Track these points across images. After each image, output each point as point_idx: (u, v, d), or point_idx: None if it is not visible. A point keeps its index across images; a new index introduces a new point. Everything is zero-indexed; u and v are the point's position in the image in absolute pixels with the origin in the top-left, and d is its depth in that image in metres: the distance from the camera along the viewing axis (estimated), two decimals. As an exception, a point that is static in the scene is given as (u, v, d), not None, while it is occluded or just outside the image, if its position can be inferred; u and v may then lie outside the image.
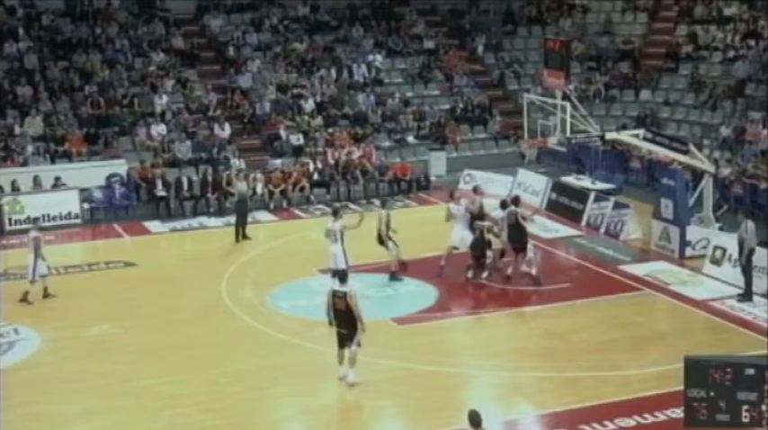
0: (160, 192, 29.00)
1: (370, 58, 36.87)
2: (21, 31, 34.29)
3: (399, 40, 38.25)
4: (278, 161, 31.18)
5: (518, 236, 20.81)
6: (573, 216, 26.76)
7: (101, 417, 15.33)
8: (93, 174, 29.27)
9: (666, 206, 23.30)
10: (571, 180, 29.29)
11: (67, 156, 30.43)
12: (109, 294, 21.33)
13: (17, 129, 30.90)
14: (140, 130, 31.81)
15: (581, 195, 27.19)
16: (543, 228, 25.52)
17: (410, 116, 34.84)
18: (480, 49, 38.73)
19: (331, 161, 31.26)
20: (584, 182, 28.90)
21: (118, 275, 22.99)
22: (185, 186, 29.15)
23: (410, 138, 34.05)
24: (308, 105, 34.07)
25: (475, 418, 11.60)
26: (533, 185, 29.16)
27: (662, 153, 26.15)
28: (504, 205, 21.31)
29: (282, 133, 32.72)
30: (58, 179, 28.58)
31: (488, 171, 30.96)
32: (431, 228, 23.86)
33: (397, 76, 36.94)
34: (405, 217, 26.09)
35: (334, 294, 15.82)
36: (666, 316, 20.01)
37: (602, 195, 26.84)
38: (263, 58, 35.76)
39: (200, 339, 18.47)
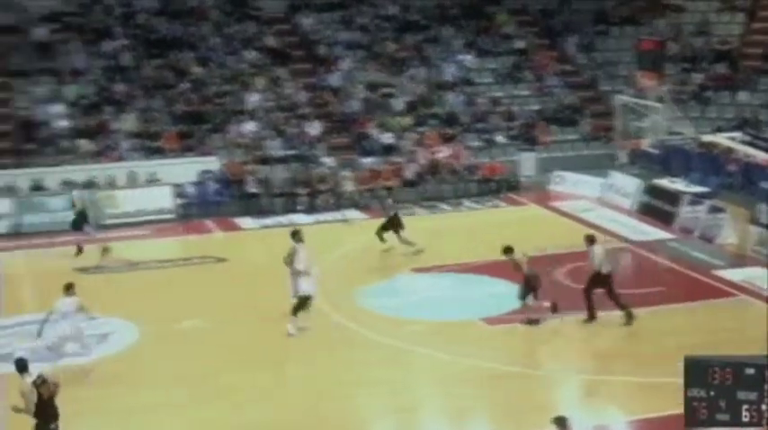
0: (251, 188, 29.35)
1: (460, 57, 36.78)
2: (117, 30, 35.02)
3: (489, 40, 38.08)
4: (367, 160, 31.32)
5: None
6: (665, 219, 26.35)
7: (190, 410, 15.55)
8: (185, 170, 29.75)
9: (764, 211, 22.76)
10: (664, 182, 28.81)
11: (161, 153, 30.97)
12: (200, 289, 21.64)
13: (113, 126, 31.57)
14: (232, 128, 32.22)
15: (674, 198, 26.76)
16: (634, 230, 25.18)
17: (500, 116, 34.67)
18: (571, 49, 38.36)
19: (420, 161, 31.28)
20: (677, 184, 28.41)
21: (209, 270, 23.32)
22: (276, 183, 29.45)
23: (499, 139, 33.88)
24: (398, 104, 34.13)
25: (562, 424, 11.49)
26: (625, 187, 28.80)
27: (761, 156, 25.56)
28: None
29: (372, 132, 32.84)
30: (152, 175, 29.14)
31: (578, 172, 30.67)
32: (518, 229, 23.72)
33: (486, 76, 36.77)
34: (492, 217, 26.05)
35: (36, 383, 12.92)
36: (761, 322, 19.52)
37: (696, 199, 26.38)
38: (354, 57, 35.93)
39: (282, 334, 18.57)
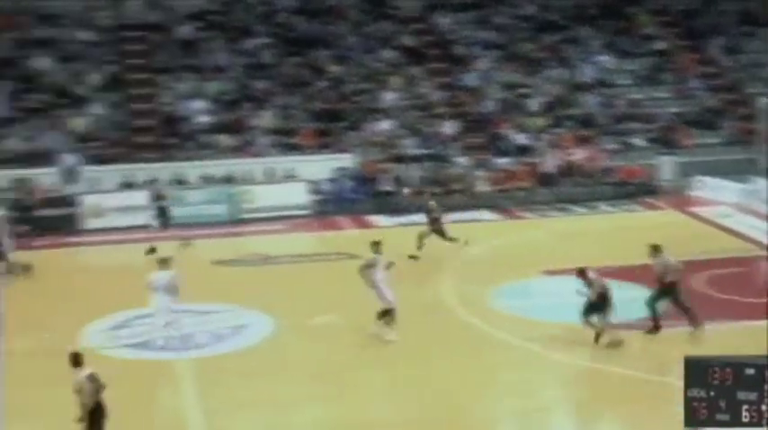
0: (385, 186, 29.55)
1: (599, 58, 36.25)
2: (258, 28, 35.72)
3: (629, 41, 37.41)
4: (502, 160, 31.16)
5: None
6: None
7: (326, 405, 15.70)
8: (321, 167, 30.17)
9: None
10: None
11: (298, 149, 31.46)
12: (333, 285, 21.85)
13: (252, 122, 32.22)
14: (368, 126, 32.48)
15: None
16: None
17: (638, 119, 34.03)
18: (715, 50, 37.35)
19: (555, 162, 30.96)
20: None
21: (342, 267, 23.50)
22: (410, 182, 29.56)
23: (637, 141, 33.25)
24: (534, 105, 33.86)
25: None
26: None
27: None
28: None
29: (507, 132, 32.65)
30: (288, 171, 29.64)
31: (718, 177, 29.87)
32: (653, 234, 23.17)
33: (625, 77, 36.12)
34: (628, 221, 25.59)
35: (90, 379, 12.99)
36: None
37: None
38: (490, 57, 35.79)
39: (419, 334, 18.62)
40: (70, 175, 29.01)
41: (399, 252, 24.91)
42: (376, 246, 18.52)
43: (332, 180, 30.04)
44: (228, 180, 29.77)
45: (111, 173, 29.46)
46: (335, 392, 16.11)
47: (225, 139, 31.49)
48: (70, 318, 19.34)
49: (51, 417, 14.88)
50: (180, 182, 29.62)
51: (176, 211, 28.29)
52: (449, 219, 26.96)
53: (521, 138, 32.42)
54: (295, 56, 34.94)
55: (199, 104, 32.63)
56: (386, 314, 18.07)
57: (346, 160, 30.69)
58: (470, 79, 34.84)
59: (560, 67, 35.71)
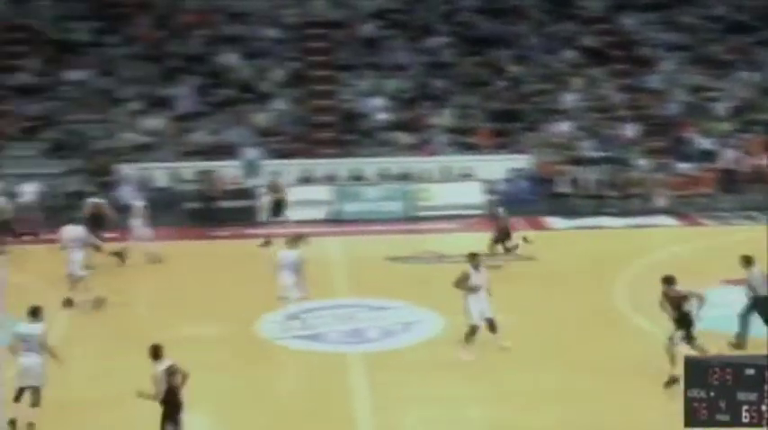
0: (562, 188, 29.13)
1: (791, 61, 34.73)
2: (440, 27, 35.81)
3: (826, 43, 35.69)
4: (684, 165, 30.22)
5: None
6: None
7: (489, 405, 15.60)
8: (497, 167, 30.02)
9: None
10: None
11: (475, 149, 31.37)
12: (506, 286, 21.58)
13: (430, 120, 32.33)
14: (546, 127, 32.09)
15: None
16: None
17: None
18: None
19: (742, 168, 29.80)
20: None
21: (516, 268, 23.32)
22: (587, 184, 29.05)
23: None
24: (721, 109, 32.68)
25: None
26: None
27: None
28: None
29: (691, 136, 31.64)
30: (464, 170, 29.63)
31: None
32: None
33: (820, 81, 34.48)
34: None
35: (169, 372, 12.98)
36: None
37: None
38: (676, 59, 34.76)
39: (589, 340, 18.24)
40: (252, 169, 29.82)
41: (574, 255, 24.60)
42: (473, 258, 17.85)
43: (507, 180, 29.84)
44: (405, 177, 29.99)
45: (291, 167, 30.13)
46: (499, 393, 15.97)
47: (402, 137, 31.72)
48: (247, 307, 19.85)
49: (215, 403, 15.32)
50: (357, 178, 30.03)
51: (352, 207, 28.68)
52: (626, 224, 26.37)
53: (705, 143, 31.34)
54: (475, 55, 34.85)
55: (378, 102, 32.97)
56: (472, 332, 17.41)
57: (523, 161, 30.41)
58: (654, 81, 33.93)
59: (750, 69, 34.33)
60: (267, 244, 24.61)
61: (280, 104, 32.94)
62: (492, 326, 17.40)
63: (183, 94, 32.96)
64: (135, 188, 28.46)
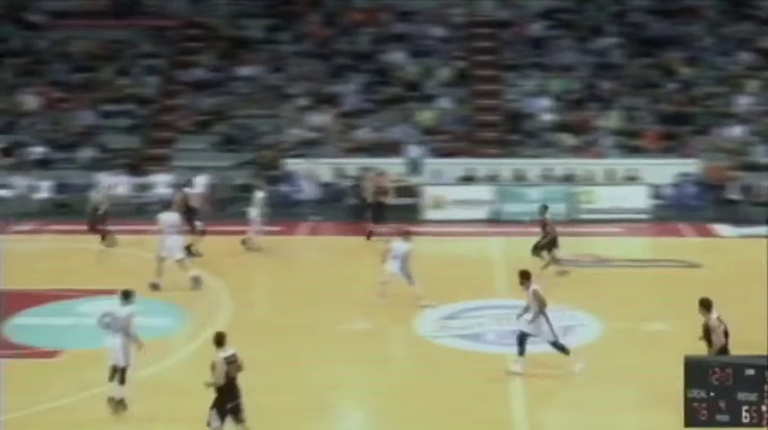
0: (732, 195, 28.22)
1: None
2: (609, 28, 35.20)
3: None
4: None
5: None
6: None
7: (651, 413, 15.23)
8: (664, 171, 29.33)
9: None
10: None
11: (641, 152, 30.73)
12: (669, 293, 21.10)
13: (596, 122, 31.84)
14: (717, 131, 31.15)
15: None
16: None
17: None
18: None
19: None
20: None
21: (680, 275, 22.75)
22: (760, 191, 28.06)
23: None
24: None
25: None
26: None
27: None
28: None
29: None
30: (630, 173, 29.10)
31: None
32: None
33: None
34: None
35: (228, 361, 13.20)
36: None
37: None
38: None
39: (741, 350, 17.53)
40: (415, 167, 30.03)
41: (742, 264, 23.76)
42: (524, 277, 16.89)
43: (674, 185, 29.09)
44: (568, 179, 29.64)
45: (454, 166, 30.20)
46: (659, 401, 15.58)
47: (567, 138, 31.37)
48: (405, 304, 20.01)
49: (370, 398, 15.46)
50: (519, 178, 29.84)
51: (513, 208, 28.51)
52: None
53: None
54: (645, 56, 34.13)
55: (544, 102, 32.69)
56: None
57: (691, 165, 29.59)
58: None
59: None
60: (370, 235, 25.14)
61: (444, 103, 33.04)
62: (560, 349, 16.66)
63: (350, 91, 33.46)
64: (300, 182, 29.11)
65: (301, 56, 34.88)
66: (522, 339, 16.38)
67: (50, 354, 15.21)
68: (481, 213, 28.34)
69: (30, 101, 33.47)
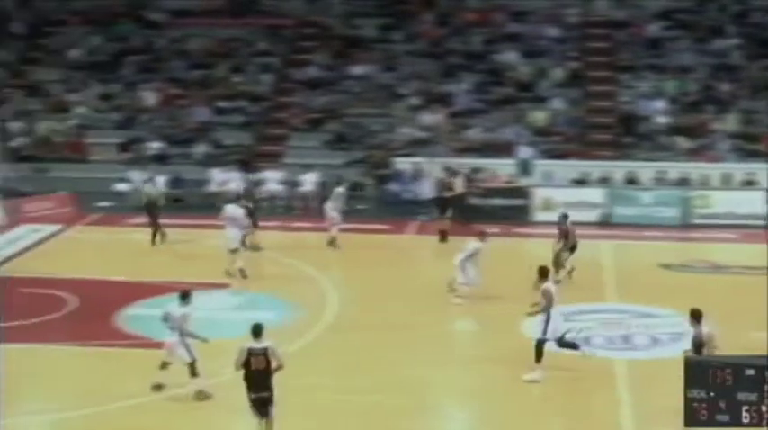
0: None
1: None
2: (730, 28, 34.37)
3: None
4: None
5: None
6: None
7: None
8: (784, 176, 28.52)
9: None
10: None
11: (760, 156, 29.92)
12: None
13: (713, 125, 31.14)
14: None
15: None
16: None
17: None
18: None
19: None
20: None
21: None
22: None
23: None
24: None
25: None
26: None
27: None
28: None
29: None
30: (748, 177, 28.41)
31: None
32: None
33: None
34: None
35: (251, 352, 13.24)
36: None
37: None
38: None
39: None
40: (525, 168, 29.80)
41: None
42: (542, 274, 16.86)
43: (794, 190, 28.25)
44: (682, 183, 29.04)
45: (565, 168, 29.89)
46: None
47: (682, 141, 30.74)
48: (511, 305, 19.90)
49: (475, 399, 15.39)
50: (632, 181, 29.35)
51: (625, 211, 28.07)
52: None
53: None
54: (765, 58, 33.23)
55: (659, 104, 32.10)
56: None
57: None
58: None
59: None
60: (444, 238, 25.11)
61: (557, 104, 32.72)
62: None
63: (462, 91, 33.40)
64: (409, 181, 29.21)
65: (414, 55, 34.96)
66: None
67: (161, 345, 15.56)
68: (591, 216, 27.95)
69: (148, 97, 34.34)
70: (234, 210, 22.61)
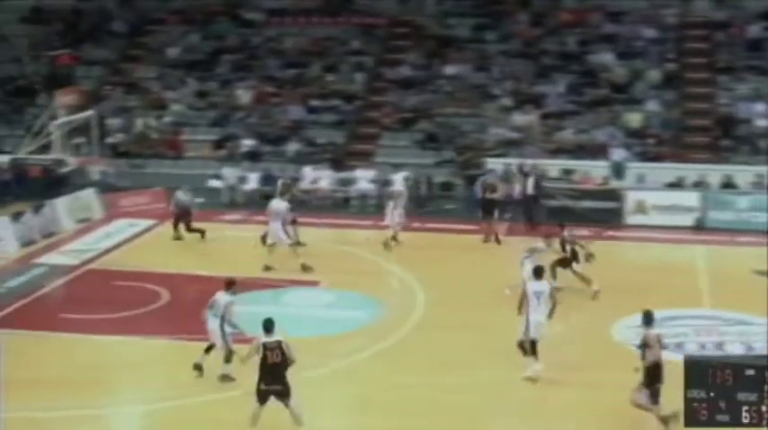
0: None
1: None
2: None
3: None
4: None
5: None
6: None
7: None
8: None
9: None
10: None
11: None
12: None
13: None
14: None
15: None
16: None
17: None
18: None
19: None
20: None
21: None
22: None
23: None
24: None
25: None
26: None
27: None
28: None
29: None
30: None
31: None
32: None
33: None
34: None
35: (266, 347, 13.77)
36: None
37: None
38: None
39: None
40: (618, 170, 29.40)
41: None
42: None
43: None
44: (786, 188, 28.33)
45: (660, 170, 29.40)
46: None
47: (783, 145, 30.04)
48: (604, 309, 19.70)
49: (557, 404, 15.23)
50: (728, 185, 28.71)
51: (720, 215, 27.49)
52: None
53: None
54: None
55: (759, 107, 31.40)
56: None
57: None
58: None
59: None
60: (496, 240, 25.25)
61: (652, 106, 32.23)
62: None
63: (555, 92, 33.12)
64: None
65: (507, 55, 34.78)
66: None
67: (252, 340, 15.74)
68: (686, 220, 27.44)
69: (243, 95, 34.80)
70: (277, 204, 22.84)
